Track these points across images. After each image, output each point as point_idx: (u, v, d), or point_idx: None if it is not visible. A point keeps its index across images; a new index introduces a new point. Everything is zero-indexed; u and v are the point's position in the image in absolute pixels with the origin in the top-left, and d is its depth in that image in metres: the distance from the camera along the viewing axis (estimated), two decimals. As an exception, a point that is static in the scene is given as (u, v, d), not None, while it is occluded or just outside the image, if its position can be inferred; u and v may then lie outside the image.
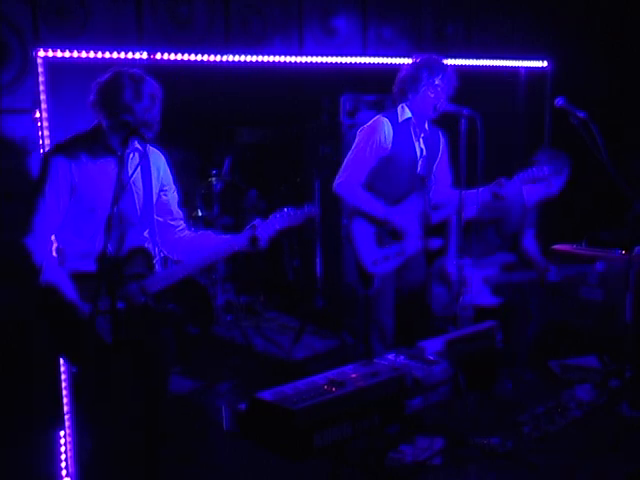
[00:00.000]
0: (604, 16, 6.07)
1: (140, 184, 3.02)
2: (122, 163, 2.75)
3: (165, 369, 3.19)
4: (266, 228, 3.07)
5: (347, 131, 5.74)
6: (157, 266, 3.06)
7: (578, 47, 5.81)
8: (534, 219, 4.84)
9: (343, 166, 4.00)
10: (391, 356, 3.07)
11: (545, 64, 5.86)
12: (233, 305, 6.11)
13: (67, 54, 3.66)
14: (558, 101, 4.09)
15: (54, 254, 2.95)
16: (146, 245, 3.05)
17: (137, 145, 2.97)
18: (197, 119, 5.92)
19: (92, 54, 3.73)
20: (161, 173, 3.11)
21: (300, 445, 2.52)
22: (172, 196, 3.18)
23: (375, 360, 3.03)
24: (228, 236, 3.14)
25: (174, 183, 3.20)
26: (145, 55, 4.08)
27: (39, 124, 3.57)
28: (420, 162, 4.04)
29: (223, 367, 5.19)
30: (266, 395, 2.65)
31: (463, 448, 3.72)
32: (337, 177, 3.99)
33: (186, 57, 4.35)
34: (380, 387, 2.79)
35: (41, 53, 3.54)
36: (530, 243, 4.86)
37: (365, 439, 3.48)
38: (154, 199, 3.07)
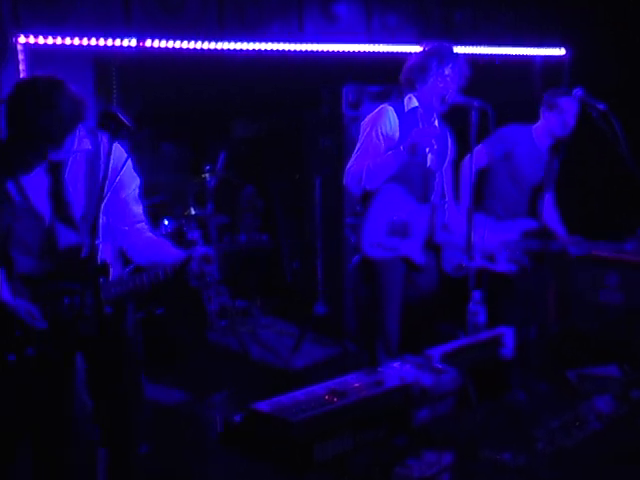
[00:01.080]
0: (622, 1, 6.05)
1: (83, 189, 2.91)
2: (55, 171, 2.72)
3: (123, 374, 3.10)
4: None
5: (349, 124, 5.73)
6: (103, 278, 2.91)
7: (595, 34, 5.80)
8: (553, 177, 4.74)
9: (351, 159, 4.00)
10: (396, 364, 3.06)
11: (563, 52, 5.86)
12: (228, 310, 6.09)
13: (50, 41, 3.65)
14: (576, 92, 4.08)
15: None
16: (87, 255, 2.90)
17: (87, 145, 2.89)
18: (189, 111, 5.91)
19: (77, 41, 3.73)
20: (120, 173, 2.95)
21: (299, 459, 2.51)
22: (132, 193, 3.07)
23: (379, 369, 3.02)
24: (175, 252, 3.03)
25: (138, 176, 3.09)
26: (134, 42, 4.08)
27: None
28: (430, 157, 4.03)
29: (217, 376, 5.17)
30: (263, 406, 2.63)
31: (473, 463, 3.71)
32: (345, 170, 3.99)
33: (177, 44, 4.35)
34: (385, 397, 2.77)
35: (22, 39, 3.54)
36: (548, 209, 4.77)
37: (369, 452, 3.47)
38: (102, 203, 2.89)
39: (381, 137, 3.91)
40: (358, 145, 4.00)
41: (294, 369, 5.41)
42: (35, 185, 2.85)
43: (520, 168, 4.58)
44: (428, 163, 4.04)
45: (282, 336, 6.08)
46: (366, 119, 4.04)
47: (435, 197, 4.09)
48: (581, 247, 4.51)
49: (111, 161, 2.79)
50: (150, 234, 3.12)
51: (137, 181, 3.08)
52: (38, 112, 2.67)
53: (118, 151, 2.93)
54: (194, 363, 5.36)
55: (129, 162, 3.02)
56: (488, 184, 4.56)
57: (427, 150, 4.02)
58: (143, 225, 3.12)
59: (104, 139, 2.88)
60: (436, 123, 4.07)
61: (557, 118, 4.53)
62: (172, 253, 3.01)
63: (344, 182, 4.00)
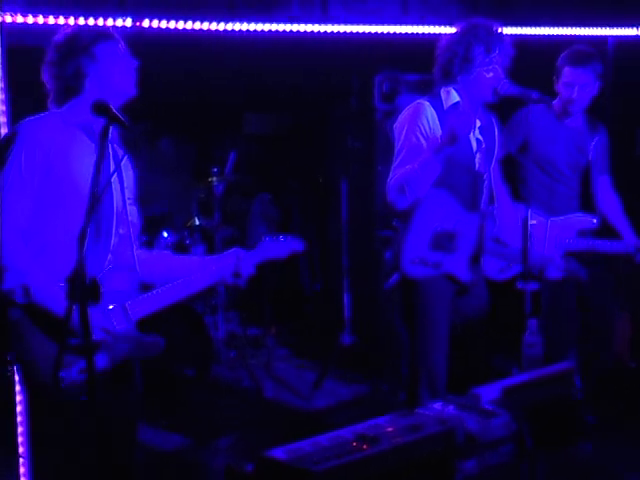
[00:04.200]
0: None
1: (117, 184, 3.08)
2: (103, 149, 2.76)
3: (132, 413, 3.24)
4: (249, 262, 3.23)
5: (383, 119, 5.74)
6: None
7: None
8: (604, 158, 4.73)
9: (391, 171, 3.98)
10: (438, 405, 3.04)
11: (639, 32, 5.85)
12: (237, 339, 6.10)
13: (30, 19, 3.70)
14: None
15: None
16: (130, 259, 3.09)
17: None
18: (193, 103, 5.95)
19: (62, 20, 3.77)
20: (130, 180, 3.19)
21: (321, 517, 2.50)
22: (134, 207, 3.25)
23: (417, 410, 3.01)
24: (205, 260, 3.33)
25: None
26: (129, 22, 4.12)
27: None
28: (478, 157, 4.01)
29: (223, 417, 5.18)
30: (279, 453, 2.62)
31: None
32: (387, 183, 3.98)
33: (180, 25, 4.39)
34: (423, 444, 2.76)
35: (-2, 18, 3.59)
36: (605, 196, 4.75)
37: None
38: (127, 206, 3.14)
39: (422, 138, 3.87)
40: (396, 153, 3.97)
41: (315, 410, 5.40)
42: (81, 168, 2.92)
43: (545, 153, 4.57)
44: (476, 165, 4.03)
45: (301, 371, 6.08)
46: (399, 120, 3.99)
47: (483, 203, 4.08)
48: None
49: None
50: (144, 250, 3.32)
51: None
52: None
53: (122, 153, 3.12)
54: (197, 402, 5.37)
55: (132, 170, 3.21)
56: (518, 180, 4.56)
57: (475, 149, 4.00)
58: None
59: None
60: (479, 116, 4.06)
61: (561, 89, 4.56)
62: (203, 264, 3.21)
63: (388, 199, 3.96)
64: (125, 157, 3.09)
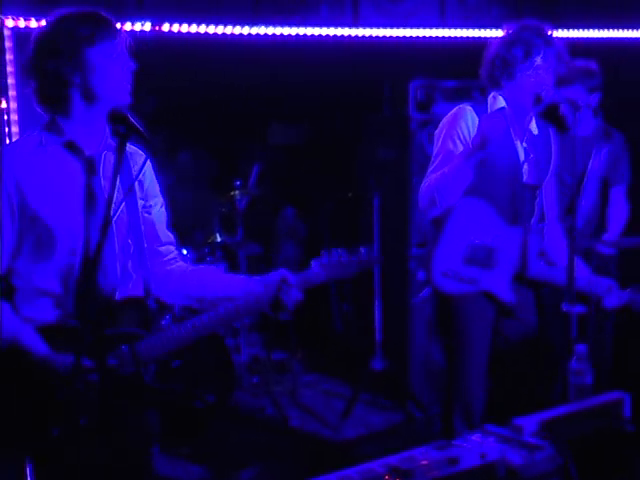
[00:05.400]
0: None
1: (121, 196, 2.87)
2: (92, 167, 2.72)
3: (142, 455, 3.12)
4: (294, 288, 2.96)
5: (417, 129, 5.73)
6: (154, 322, 2.99)
7: None
8: (616, 168, 4.87)
9: (425, 176, 3.98)
10: (476, 437, 3.01)
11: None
12: (261, 363, 6.10)
13: (44, 24, 3.72)
14: None
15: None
16: (138, 292, 2.95)
17: (110, 140, 2.87)
18: (214, 112, 5.98)
19: (77, 24, 3.79)
20: (146, 183, 3.02)
21: None
22: (159, 212, 3.08)
23: (454, 442, 2.98)
24: (244, 281, 3.04)
25: (162, 196, 3.11)
26: (148, 26, 4.15)
27: (5, 117, 3.63)
28: (525, 167, 3.99)
29: (246, 447, 5.17)
30: (304, 487, 2.62)
31: None
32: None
33: (202, 29, 4.41)
34: (461, 479, 2.73)
35: (9, 22, 3.62)
36: (615, 208, 4.96)
37: None
38: (140, 218, 2.98)
39: (459, 143, 3.88)
40: (432, 158, 3.98)
41: (344, 440, 5.38)
42: (63, 186, 2.81)
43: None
44: (523, 177, 4.00)
45: (329, 398, 6.07)
46: (440, 125, 4.01)
47: (530, 218, 4.05)
48: (611, 246, 4.72)
49: (132, 163, 2.91)
50: (183, 263, 3.13)
51: (162, 199, 3.11)
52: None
53: (137, 153, 2.99)
54: (218, 430, 5.37)
55: (152, 170, 3.06)
56: None
57: (522, 159, 3.98)
58: (175, 250, 3.13)
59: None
60: (533, 125, 4.03)
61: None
62: (240, 287, 2.97)
63: (419, 206, 3.98)
64: (146, 163, 2.95)
